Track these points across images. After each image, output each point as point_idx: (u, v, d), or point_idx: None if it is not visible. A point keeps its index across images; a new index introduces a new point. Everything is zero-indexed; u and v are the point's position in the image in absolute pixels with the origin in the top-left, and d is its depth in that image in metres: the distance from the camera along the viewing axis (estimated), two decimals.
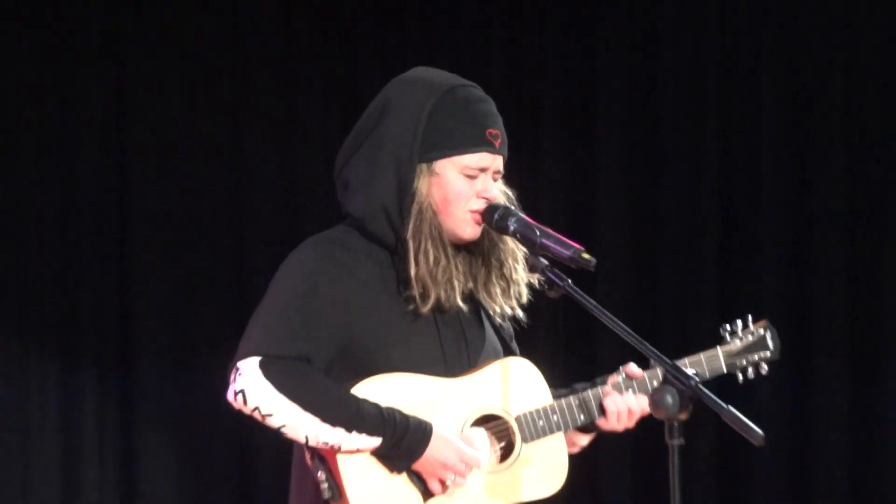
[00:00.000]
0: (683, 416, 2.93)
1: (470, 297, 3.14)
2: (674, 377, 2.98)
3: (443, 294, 3.05)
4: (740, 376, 3.30)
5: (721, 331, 3.29)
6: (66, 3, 7.34)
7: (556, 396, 3.17)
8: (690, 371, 3.04)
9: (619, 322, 3.01)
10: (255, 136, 7.66)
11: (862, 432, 6.72)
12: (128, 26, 7.42)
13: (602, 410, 3.16)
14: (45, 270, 7.31)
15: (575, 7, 7.22)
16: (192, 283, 7.50)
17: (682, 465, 2.92)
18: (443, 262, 3.05)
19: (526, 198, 3.22)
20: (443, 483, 3.03)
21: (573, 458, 3.23)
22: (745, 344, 3.28)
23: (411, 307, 3.06)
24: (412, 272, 3.04)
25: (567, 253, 3.04)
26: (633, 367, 3.19)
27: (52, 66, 7.28)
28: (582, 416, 3.15)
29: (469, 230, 3.09)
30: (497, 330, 3.22)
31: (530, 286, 3.18)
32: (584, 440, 3.26)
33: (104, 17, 7.40)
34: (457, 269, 3.09)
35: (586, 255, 3.04)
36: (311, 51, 7.57)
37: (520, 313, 3.22)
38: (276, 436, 3.03)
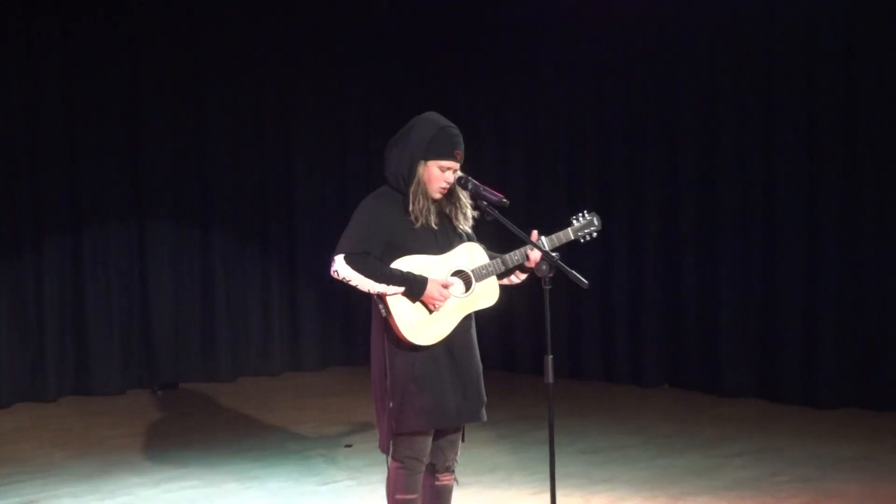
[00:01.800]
0: (551, 275, 2.99)
1: (449, 221, 3.15)
2: (546, 256, 3.03)
3: (425, 221, 3.08)
4: (582, 240, 3.22)
5: (572, 218, 3.21)
6: (252, 50, 7.17)
7: (491, 258, 3.16)
8: (555, 255, 3.05)
9: (523, 232, 3.04)
10: (355, 141, 7.66)
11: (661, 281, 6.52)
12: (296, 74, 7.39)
13: (516, 265, 3.16)
14: (247, 199, 7.29)
15: None
16: (321, 210, 7.52)
17: (551, 300, 2.97)
18: (426, 206, 3.09)
19: (470, 171, 3.20)
20: (434, 305, 3.06)
21: (506, 287, 3.22)
22: (584, 223, 3.19)
23: (412, 226, 3.09)
24: (410, 209, 3.08)
25: (495, 198, 3.07)
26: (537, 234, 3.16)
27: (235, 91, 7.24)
28: (503, 267, 3.14)
29: (437, 195, 3.11)
30: (467, 235, 3.20)
31: (475, 218, 3.19)
32: (515, 280, 3.23)
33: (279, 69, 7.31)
34: (434, 209, 3.11)
35: (505, 200, 3.06)
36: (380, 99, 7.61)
37: (470, 231, 3.22)
38: (355, 290, 3.06)
